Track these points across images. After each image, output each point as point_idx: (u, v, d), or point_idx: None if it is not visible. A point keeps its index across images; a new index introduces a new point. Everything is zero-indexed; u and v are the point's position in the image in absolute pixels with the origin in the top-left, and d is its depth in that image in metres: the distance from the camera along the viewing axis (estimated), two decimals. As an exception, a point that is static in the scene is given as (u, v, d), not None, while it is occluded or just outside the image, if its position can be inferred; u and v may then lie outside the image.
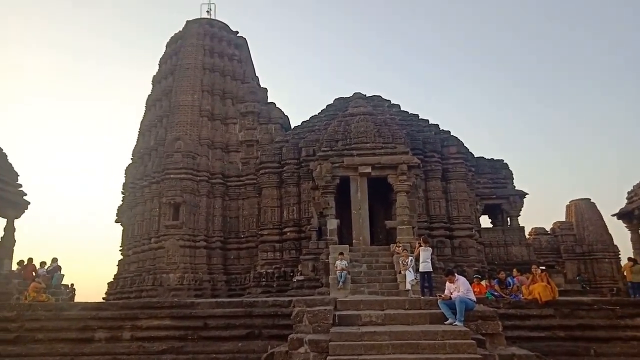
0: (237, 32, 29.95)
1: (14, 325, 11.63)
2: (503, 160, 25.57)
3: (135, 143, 28.03)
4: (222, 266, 23.67)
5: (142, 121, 28.35)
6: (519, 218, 24.59)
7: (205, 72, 26.80)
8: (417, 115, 25.21)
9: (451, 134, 23.70)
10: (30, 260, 16.57)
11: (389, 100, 26.01)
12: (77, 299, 21.34)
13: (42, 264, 16.83)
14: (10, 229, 17.34)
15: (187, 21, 28.99)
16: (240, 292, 21.47)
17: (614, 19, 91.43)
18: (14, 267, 16.86)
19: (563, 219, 37.83)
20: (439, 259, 19.16)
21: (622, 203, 26.41)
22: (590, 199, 37.10)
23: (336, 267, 14.81)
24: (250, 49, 30.14)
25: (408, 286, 13.14)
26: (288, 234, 21.78)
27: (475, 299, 9.16)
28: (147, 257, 23.26)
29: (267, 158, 23.24)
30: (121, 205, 27.09)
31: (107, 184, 79.40)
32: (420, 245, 12.49)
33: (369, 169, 18.63)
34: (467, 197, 22.08)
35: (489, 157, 25.67)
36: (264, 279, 20.69)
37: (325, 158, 19.30)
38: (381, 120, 20.90)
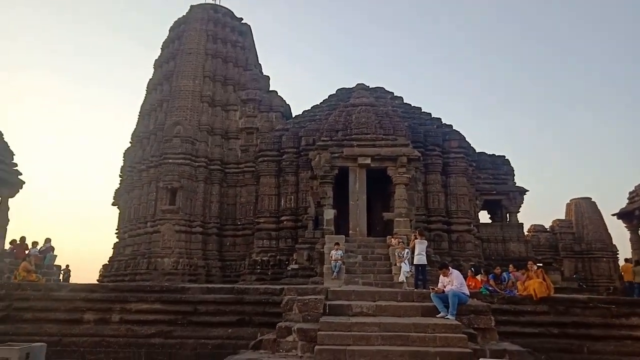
0: (242, 19, 29.63)
1: (2, 304, 11.54)
2: (504, 157, 25.32)
3: (134, 126, 27.86)
4: (218, 252, 23.59)
5: (142, 104, 28.15)
6: (518, 215, 24.43)
7: (207, 57, 26.53)
8: (420, 108, 24.96)
9: (453, 128, 23.47)
10: (22, 239, 16.49)
11: (392, 92, 25.75)
12: (72, 280, 21.37)
13: (34, 243, 16.72)
14: (4, 208, 17.24)
15: (191, 6, 28.66)
16: (234, 279, 21.40)
17: (619, 15, 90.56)
18: (7, 246, 16.77)
19: (563, 217, 37.68)
20: (436, 252, 19.02)
21: (623, 203, 26.22)
22: (590, 198, 36.92)
23: (331, 257, 14.72)
24: (254, 37, 29.86)
25: (402, 278, 13.01)
26: (285, 222, 21.65)
27: (468, 293, 9.02)
28: (143, 241, 23.17)
29: (267, 146, 23.04)
30: (118, 188, 27.00)
31: (105, 166, 79.42)
32: (416, 238, 12.34)
33: (368, 160, 18.43)
34: (466, 191, 21.90)
35: (491, 153, 25.43)
36: (258, 267, 20.60)
37: (324, 148, 19.10)
38: (383, 112, 20.66)
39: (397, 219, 17.82)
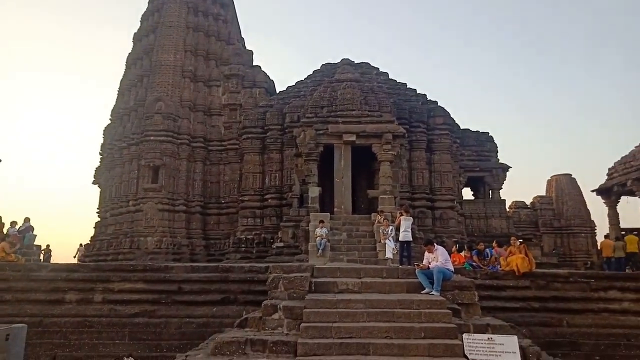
0: (223, -10, 28.72)
1: (-19, 285, 11.28)
2: (488, 133, 25.44)
3: (114, 103, 27.14)
4: (202, 231, 23.41)
5: (121, 80, 27.38)
6: (500, 191, 24.70)
7: (188, 31, 25.77)
8: (405, 84, 24.77)
9: (438, 104, 23.38)
10: (-1, 219, 16.07)
11: (377, 68, 25.46)
12: (52, 260, 21.04)
13: (13, 223, 16.34)
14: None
15: (171, -24, 27.61)
16: (219, 258, 21.33)
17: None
18: (-17, 226, 16.33)
19: (544, 193, 38.31)
20: (420, 229, 19.18)
21: (603, 179, 26.72)
22: (571, 175, 37.55)
23: (316, 234, 14.70)
24: (236, 10, 29.04)
25: (388, 255, 13.08)
26: (269, 200, 21.52)
27: (453, 269, 9.07)
28: (125, 220, 22.85)
29: (250, 123, 22.67)
30: (99, 166, 26.45)
31: (85, 144, 77.76)
32: (402, 215, 12.35)
33: (353, 137, 18.29)
34: (450, 168, 21.97)
35: (475, 130, 25.50)
36: (243, 245, 20.53)
37: (309, 125, 18.87)
38: (368, 88, 20.43)
39: (381, 196, 17.83)
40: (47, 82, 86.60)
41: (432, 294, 8.14)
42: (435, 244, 9.26)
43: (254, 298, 10.57)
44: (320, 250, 14.32)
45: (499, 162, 24.74)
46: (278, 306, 7.81)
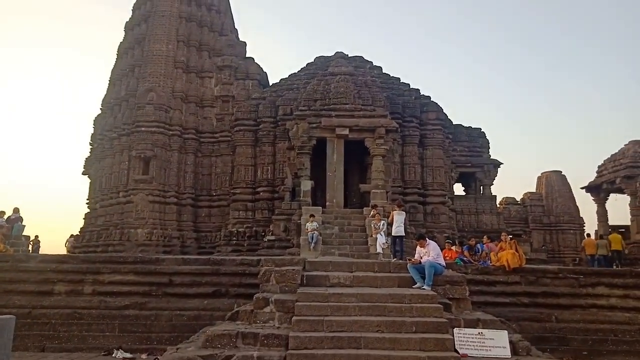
0: (217, -20, 28.37)
1: (-32, 276, 11.13)
2: (480, 129, 25.52)
3: (105, 92, 26.79)
4: (193, 223, 23.27)
5: (112, 69, 27.02)
6: (491, 187, 24.84)
7: (181, 21, 25.44)
8: (399, 78, 24.76)
9: (431, 99, 23.39)
10: (-13, 209, 15.83)
11: (371, 62, 25.41)
12: (41, 251, 20.80)
13: (1, 213, 16.11)
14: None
15: (164, -35, 27.21)
16: (210, 250, 21.23)
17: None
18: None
19: (534, 189, 38.60)
20: (411, 224, 19.22)
21: (592, 177, 26.97)
22: (561, 172, 37.87)
23: (307, 229, 14.70)
24: (230, 1, 28.72)
25: (379, 249, 13.11)
26: (261, 193, 21.44)
27: (444, 264, 9.11)
28: (115, 211, 22.63)
29: (243, 115, 22.53)
30: (89, 157, 26.15)
31: (74, 135, 76.90)
32: (394, 210, 12.36)
33: (346, 131, 18.26)
34: (442, 164, 22.02)
35: (467, 125, 25.57)
36: (234, 238, 20.46)
37: (302, 118, 18.81)
38: (362, 82, 20.37)
39: (373, 190, 17.85)
40: (31, 59, 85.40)
41: (424, 289, 8.17)
42: (427, 239, 9.28)
43: (246, 291, 10.55)
44: (312, 244, 14.32)
45: (491, 158, 24.85)
46: (270, 299, 7.79)
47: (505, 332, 7.11)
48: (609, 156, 26.03)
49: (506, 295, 11.14)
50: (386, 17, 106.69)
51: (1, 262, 11.57)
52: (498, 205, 28.69)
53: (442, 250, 10.64)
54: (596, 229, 26.24)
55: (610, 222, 26.19)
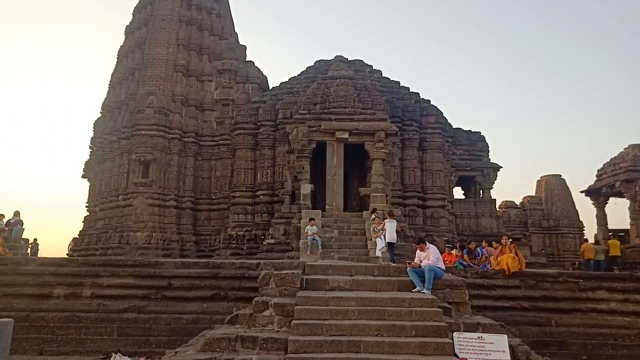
0: (217, -16, 28.46)
1: (-33, 279, 11.10)
2: (480, 133, 25.52)
3: (105, 96, 26.83)
4: (192, 227, 23.25)
5: (112, 73, 27.09)
6: (491, 191, 24.84)
7: (181, 24, 25.52)
8: (398, 82, 24.78)
9: (431, 103, 23.42)
10: (-13, 212, 15.82)
11: (371, 66, 25.44)
12: (40, 254, 20.76)
13: (1, 216, 16.10)
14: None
15: (164, -31, 27.30)
16: (209, 254, 21.20)
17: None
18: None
19: (534, 193, 38.60)
20: (411, 227, 19.23)
21: (592, 180, 26.97)
22: (560, 175, 37.89)
23: (306, 232, 14.70)
24: (230, 4, 28.82)
25: (378, 253, 13.12)
26: (261, 197, 21.44)
27: (444, 268, 9.10)
28: (115, 215, 22.62)
29: (243, 118, 22.56)
30: (89, 160, 26.16)
31: (74, 138, 76.93)
32: (386, 219, 12.87)
33: (346, 135, 18.27)
34: (442, 167, 22.04)
35: (467, 129, 25.58)
36: (234, 241, 20.44)
37: (302, 121, 18.82)
38: (361, 85, 20.40)
39: (373, 194, 17.84)
40: (33, 65, 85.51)
41: (423, 293, 8.16)
42: (427, 243, 9.29)
43: (245, 295, 10.52)
44: (311, 248, 14.33)
45: (490, 161, 24.85)
46: (269, 303, 7.77)
47: (505, 336, 7.09)
48: (609, 160, 26.05)
49: (506, 299, 11.10)
50: (386, 20, 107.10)
51: (0, 266, 11.53)
52: (497, 209, 28.68)
53: (441, 254, 10.64)
54: (595, 233, 26.24)
55: (610, 226, 26.18)
